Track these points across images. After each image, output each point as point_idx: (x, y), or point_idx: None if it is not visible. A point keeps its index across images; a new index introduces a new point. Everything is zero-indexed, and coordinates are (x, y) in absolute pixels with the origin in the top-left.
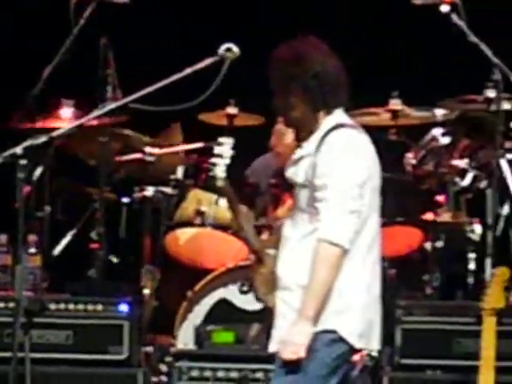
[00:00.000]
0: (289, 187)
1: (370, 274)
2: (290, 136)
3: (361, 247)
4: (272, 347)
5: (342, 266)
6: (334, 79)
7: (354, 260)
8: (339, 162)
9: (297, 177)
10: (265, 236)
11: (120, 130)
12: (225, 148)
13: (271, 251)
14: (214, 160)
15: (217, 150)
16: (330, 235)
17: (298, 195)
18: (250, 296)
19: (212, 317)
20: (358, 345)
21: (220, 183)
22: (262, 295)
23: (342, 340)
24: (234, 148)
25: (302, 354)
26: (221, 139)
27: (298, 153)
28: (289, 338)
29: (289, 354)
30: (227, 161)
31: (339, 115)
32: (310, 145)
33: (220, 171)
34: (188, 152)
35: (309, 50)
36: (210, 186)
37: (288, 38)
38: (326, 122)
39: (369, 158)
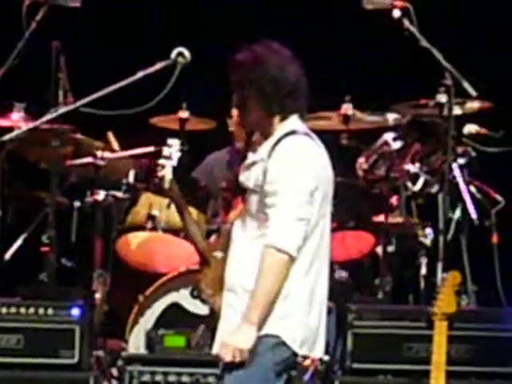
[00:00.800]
0: (240, 191)
1: (316, 281)
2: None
3: (307, 254)
4: (215, 349)
5: (288, 273)
6: (292, 85)
7: (300, 266)
8: (289, 169)
9: (248, 182)
10: (214, 239)
11: (71, 135)
12: (172, 150)
13: (218, 254)
14: (161, 161)
15: (165, 151)
16: (278, 242)
17: (249, 200)
18: None
19: (163, 321)
20: (300, 351)
21: (167, 185)
22: (208, 297)
23: (285, 345)
24: (181, 150)
25: (243, 357)
26: (169, 141)
27: (251, 158)
28: (231, 341)
29: (230, 356)
30: (174, 162)
31: (294, 121)
32: (262, 150)
33: (167, 173)
34: (139, 156)
35: (268, 55)
36: (157, 187)
37: (242, 42)
38: (281, 127)
39: (320, 165)
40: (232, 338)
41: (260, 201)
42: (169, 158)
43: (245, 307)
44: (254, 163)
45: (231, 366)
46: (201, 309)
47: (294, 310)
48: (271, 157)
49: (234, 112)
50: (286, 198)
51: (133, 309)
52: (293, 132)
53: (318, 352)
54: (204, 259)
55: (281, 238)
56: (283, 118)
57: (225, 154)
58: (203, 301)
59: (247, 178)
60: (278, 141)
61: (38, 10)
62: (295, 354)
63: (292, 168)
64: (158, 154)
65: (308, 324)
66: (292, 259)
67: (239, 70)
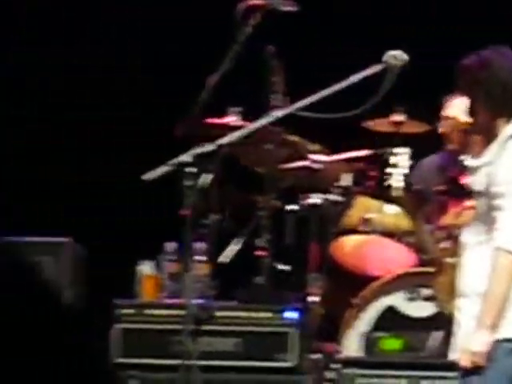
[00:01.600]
0: (456, 194)
1: None
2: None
3: None
4: (452, 355)
5: None
6: None
7: None
8: None
9: (476, 185)
10: (443, 244)
11: (288, 137)
12: (401, 158)
13: (451, 260)
14: (390, 170)
15: (393, 159)
16: (508, 243)
17: (477, 203)
18: (418, 303)
19: (378, 324)
20: None
21: (397, 193)
22: (443, 303)
23: None
24: (411, 158)
25: (479, 362)
26: (397, 149)
27: (476, 161)
28: (467, 346)
29: (465, 361)
30: (404, 170)
31: None
32: (489, 153)
33: (396, 181)
34: (354, 159)
35: (496, 58)
36: (385, 195)
37: (459, 47)
38: (507, 130)
39: None
40: (467, 342)
41: (487, 203)
42: (396, 166)
43: (479, 312)
44: (480, 166)
45: (468, 371)
46: (416, 311)
47: None
48: (499, 158)
49: (446, 114)
50: None
51: (347, 312)
52: None
53: None
54: (438, 267)
55: (510, 240)
56: (508, 121)
57: (436, 158)
58: (439, 308)
59: (475, 181)
60: (505, 142)
61: (253, 14)
62: None
63: None
64: (373, 158)
65: None
66: None
67: (466, 73)
